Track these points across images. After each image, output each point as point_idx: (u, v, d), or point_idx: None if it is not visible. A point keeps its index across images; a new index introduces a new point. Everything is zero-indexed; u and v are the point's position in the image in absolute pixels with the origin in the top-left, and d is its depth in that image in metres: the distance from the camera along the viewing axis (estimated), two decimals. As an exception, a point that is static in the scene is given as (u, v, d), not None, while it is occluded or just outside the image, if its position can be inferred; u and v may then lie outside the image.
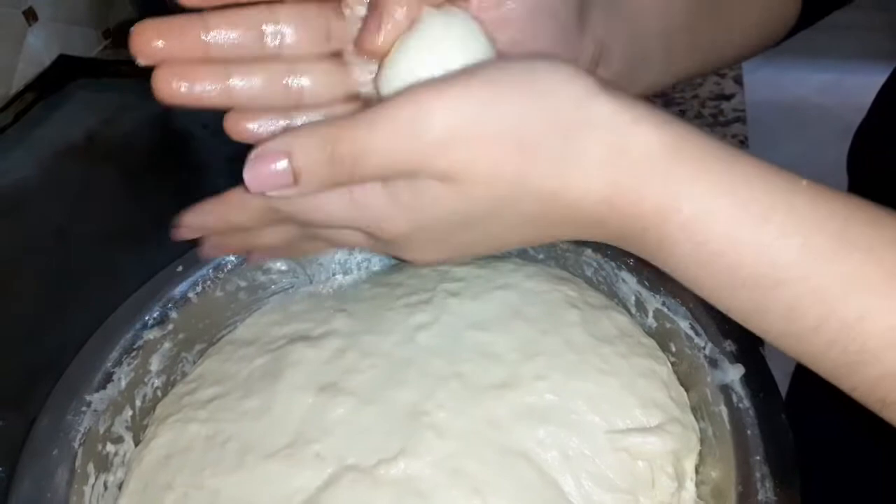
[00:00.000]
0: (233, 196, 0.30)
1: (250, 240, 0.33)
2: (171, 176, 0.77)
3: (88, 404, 0.40)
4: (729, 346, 0.39)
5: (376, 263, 0.50)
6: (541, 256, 0.48)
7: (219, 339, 0.47)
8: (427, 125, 0.24)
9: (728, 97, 0.74)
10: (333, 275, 0.50)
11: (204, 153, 0.77)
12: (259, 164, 0.26)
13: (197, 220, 0.32)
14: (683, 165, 0.25)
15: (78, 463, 0.38)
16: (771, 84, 2.19)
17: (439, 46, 0.27)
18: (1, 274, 0.66)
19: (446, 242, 0.29)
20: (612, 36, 0.33)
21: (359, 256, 0.50)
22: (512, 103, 0.25)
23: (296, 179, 0.26)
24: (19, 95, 0.83)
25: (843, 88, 2.21)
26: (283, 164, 0.25)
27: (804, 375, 0.47)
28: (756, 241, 0.24)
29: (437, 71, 0.27)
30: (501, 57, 0.28)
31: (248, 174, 0.26)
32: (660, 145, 0.25)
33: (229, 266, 0.47)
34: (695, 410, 0.39)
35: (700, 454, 0.38)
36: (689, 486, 0.37)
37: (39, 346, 0.59)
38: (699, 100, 0.74)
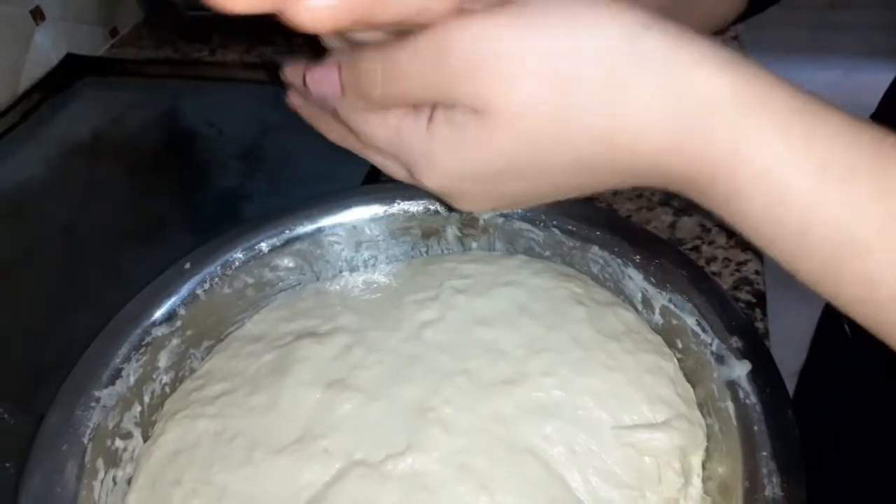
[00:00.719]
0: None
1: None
2: (178, 175, 0.77)
3: (97, 400, 0.40)
4: (735, 342, 0.39)
5: (383, 260, 0.51)
6: (547, 253, 0.48)
7: (226, 336, 0.47)
8: (449, 47, 0.23)
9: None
10: (340, 272, 0.50)
11: (210, 152, 0.77)
12: (315, 71, 0.28)
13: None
14: (755, 114, 0.22)
15: (87, 458, 0.38)
16: (776, 82, 2.19)
17: None
18: (8, 273, 0.67)
19: (493, 192, 0.28)
20: None
21: (365, 254, 0.50)
22: (546, 37, 0.23)
23: (342, 89, 0.27)
24: (27, 94, 0.84)
25: (847, 86, 2.20)
26: (333, 74, 0.27)
27: (811, 373, 0.47)
28: (836, 204, 0.22)
29: None
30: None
31: (308, 77, 0.28)
32: (727, 89, 0.22)
33: (237, 263, 0.47)
34: (701, 406, 0.40)
35: (707, 450, 0.38)
36: (696, 481, 0.37)
37: (46, 344, 0.59)
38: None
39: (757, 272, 0.55)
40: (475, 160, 0.26)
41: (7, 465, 0.45)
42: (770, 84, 0.23)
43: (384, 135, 0.27)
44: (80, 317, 0.60)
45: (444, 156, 0.26)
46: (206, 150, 0.78)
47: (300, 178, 0.69)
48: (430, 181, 0.27)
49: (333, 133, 0.32)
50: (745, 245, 0.56)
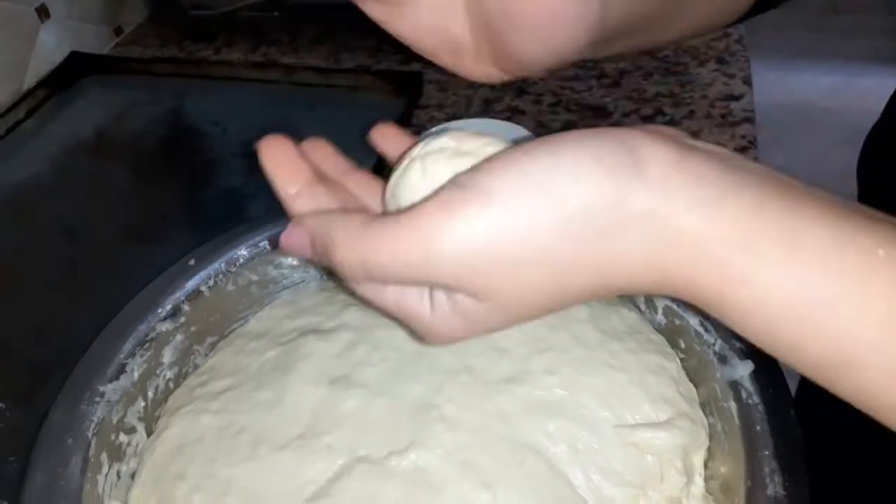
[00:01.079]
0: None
1: None
2: (182, 173, 0.77)
3: (102, 395, 0.40)
4: (738, 342, 0.39)
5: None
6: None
7: (230, 333, 0.47)
8: (439, 258, 0.24)
9: (737, 97, 0.74)
10: (344, 270, 0.50)
11: (214, 150, 0.77)
12: (293, 235, 0.30)
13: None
14: (739, 253, 0.23)
15: (91, 452, 0.38)
16: (778, 86, 2.19)
17: (432, 170, 0.28)
18: (10, 269, 0.67)
19: (478, 333, 0.29)
20: None
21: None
22: (535, 217, 0.24)
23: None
24: (31, 92, 0.84)
25: (851, 92, 2.20)
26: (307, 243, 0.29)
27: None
28: (828, 324, 0.22)
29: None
30: (518, 152, 0.25)
31: (283, 238, 0.30)
32: (712, 237, 0.23)
33: (241, 260, 0.48)
34: (704, 406, 0.40)
35: (709, 449, 0.38)
36: (698, 480, 0.37)
37: (48, 342, 0.59)
38: (708, 100, 0.74)
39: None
40: (479, 329, 0.28)
41: (11, 459, 0.45)
42: (753, 214, 0.23)
43: (384, 304, 0.28)
44: (82, 315, 0.60)
45: (449, 329, 0.28)
46: (210, 148, 0.78)
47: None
48: (434, 343, 0.29)
49: None
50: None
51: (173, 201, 0.74)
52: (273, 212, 0.51)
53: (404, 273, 0.25)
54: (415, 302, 0.28)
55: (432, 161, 0.28)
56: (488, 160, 0.25)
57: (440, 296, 0.27)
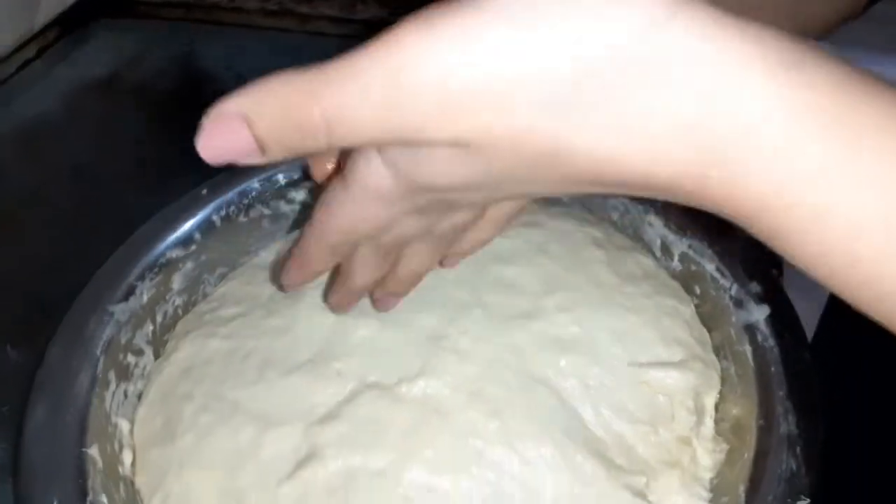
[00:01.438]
0: (306, 243, 0.29)
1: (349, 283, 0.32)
2: (193, 117, 0.76)
3: (111, 314, 0.40)
4: (755, 287, 0.38)
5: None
6: (566, 199, 0.48)
7: (241, 265, 0.47)
8: (418, 81, 0.19)
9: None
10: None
11: (226, 94, 0.77)
12: (215, 130, 0.21)
13: (292, 279, 0.32)
14: (810, 137, 0.17)
15: (100, 369, 0.38)
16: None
17: None
18: (17, 209, 0.66)
19: (474, 194, 0.24)
20: None
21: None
22: (542, 42, 0.18)
23: (261, 148, 0.21)
24: (42, 32, 0.83)
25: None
26: (243, 133, 0.21)
27: (831, 320, 0.46)
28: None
29: None
30: None
31: (201, 141, 0.22)
32: (776, 101, 0.17)
33: (254, 193, 0.47)
34: (717, 350, 0.39)
35: (721, 393, 0.38)
36: (709, 422, 0.37)
37: (53, 282, 0.58)
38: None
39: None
40: (442, 184, 0.22)
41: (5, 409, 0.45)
42: (840, 95, 0.17)
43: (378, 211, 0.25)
44: (87, 256, 0.59)
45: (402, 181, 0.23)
46: (222, 93, 0.77)
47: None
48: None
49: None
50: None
51: (185, 145, 0.73)
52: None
53: (374, 117, 0.20)
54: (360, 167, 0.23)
55: None
56: None
57: (392, 150, 0.22)
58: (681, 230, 0.42)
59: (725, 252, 0.40)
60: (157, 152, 0.72)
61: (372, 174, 0.23)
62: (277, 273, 0.38)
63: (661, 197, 0.20)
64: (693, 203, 0.20)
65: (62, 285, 0.49)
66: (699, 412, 0.37)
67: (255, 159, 0.22)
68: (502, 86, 0.18)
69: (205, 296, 0.45)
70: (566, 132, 0.19)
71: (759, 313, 0.37)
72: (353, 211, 0.25)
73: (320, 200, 0.27)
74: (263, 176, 0.47)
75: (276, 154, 0.21)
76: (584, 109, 0.18)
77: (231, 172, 0.48)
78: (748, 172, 0.18)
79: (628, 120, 0.18)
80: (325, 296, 0.38)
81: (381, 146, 0.22)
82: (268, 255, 0.47)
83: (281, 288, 0.32)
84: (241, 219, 0.47)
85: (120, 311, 0.40)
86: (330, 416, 0.35)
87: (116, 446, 0.37)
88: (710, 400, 0.37)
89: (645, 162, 0.19)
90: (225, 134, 0.21)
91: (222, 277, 0.46)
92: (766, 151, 0.17)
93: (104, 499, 0.34)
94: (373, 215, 0.25)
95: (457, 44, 0.18)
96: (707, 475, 0.35)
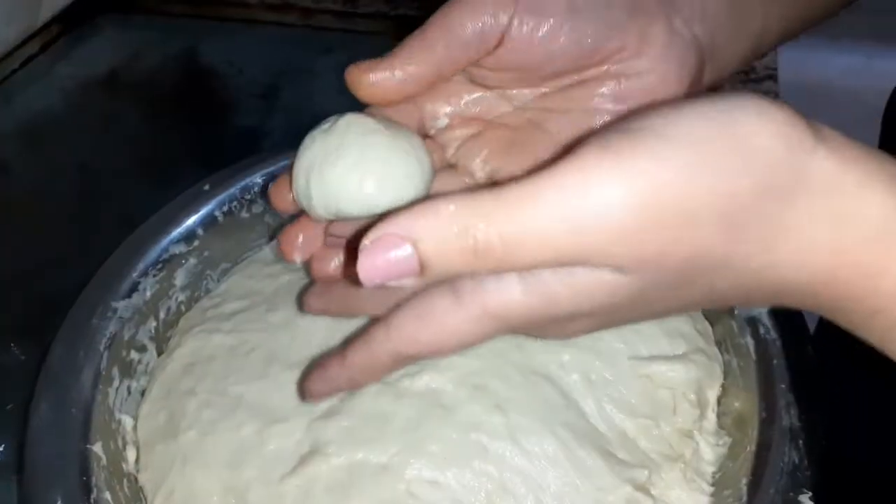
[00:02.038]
0: (356, 358, 0.25)
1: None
2: (196, 113, 0.76)
3: (114, 311, 0.40)
4: (758, 280, 0.38)
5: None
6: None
7: (243, 261, 0.47)
8: (607, 206, 0.19)
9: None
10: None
11: (229, 90, 0.77)
12: (377, 250, 0.21)
13: (326, 389, 0.28)
14: None
15: (103, 365, 0.38)
16: (796, 66, 2.16)
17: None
18: (22, 206, 0.66)
19: (594, 325, 0.24)
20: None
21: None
22: (715, 169, 0.19)
23: (422, 269, 0.21)
24: (46, 26, 0.83)
25: (870, 72, 2.17)
26: (406, 252, 0.21)
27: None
28: None
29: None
30: (689, 98, 0.21)
31: (363, 261, 0.21)
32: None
33: (256, 188, 0.47)
34: (719, 344, 0.39)
35: (723, 387, 0.38)
36: (711, 415, 0.37)
37: (57, 279, 0.59)
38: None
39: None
40: (590, 309, 0.22)
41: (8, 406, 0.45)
42: None
43: (468, 324, 0.23)
44: (90, 252, 0.60)
45: (545, 309, 0.22)
46: (225, 88, 0.77)
47: (319, 117, 0.68)
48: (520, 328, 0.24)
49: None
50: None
51: (187, 140, 0.73)
52: (289, 143, 0.51)
53: (556, 241, 0.20)
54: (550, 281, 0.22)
55: (369, 139, 0.27)
56: (651, 108, 0.21)
57: (543, 274, 0.21)
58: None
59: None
60: (160, 148, 0.72)
61: (502, 294, 0.22)
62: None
63: (781, 301, 0.23)
64: (809, 305, 0.22)
65: (65, 282, 0.49)
66: (702, 405, 0.37)
67: (409, 282, 0.21)
68: (679, 213, 0.19)
69: (207, 291, 0.45)
70: (728, 250, 0.20)
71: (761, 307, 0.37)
72: (459, 329, 0.23)
73: (404, 309, 0.24)
74: (265, 171, 0.48)
75: (435, 276, 0.21)
76: (748, 229, 0.20)
77: (233, 168, 0.48)
78: (879, 272, 0.20)
79: (781, 236, 0.20)
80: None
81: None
82: (271, 250, 0.47)
83: (304, 397, 0.28)
84: (244, 214, 0.47)
85: (123, 307, 0.41)
86: (333, 412, 0.36)
87: (120, 443, 0.38)
88: (712, 393, 0.37)
89: (792, 268, 0.21)
90: (388, 254, 0.21)
91: (225, 273, 0.46)
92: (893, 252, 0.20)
93: (108, 496, 0.34)
94: (480, 336, 0.23)
95: (639, 176, 0.19)
96: (709, 469, 0.35)
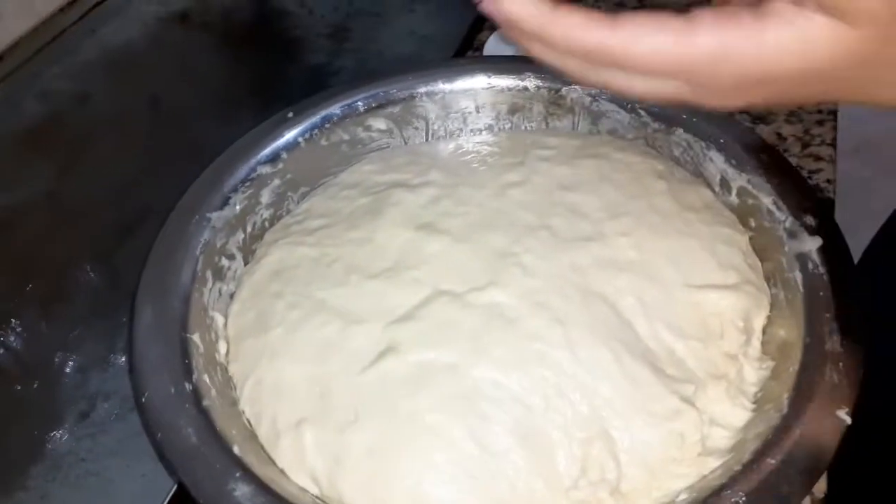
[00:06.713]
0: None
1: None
2: (266, 50, 0.79)
3: (208, 220, 0.44)
4: (809, 220, 0.40)
5: (468, 132, 0.53)
6: (630, 136, 0.50)
7: (321, 185, 0.51)
8: None
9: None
10: (427, 140, 0.53)
11: (299, 29, 0.79)
12: None
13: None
14: None
15: (199, 267, 0.42)
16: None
17: None
18: (96, 136, 0.70)
19: (775, 93, 0.23)
20: None
21: (451, 125, 0.53)
22: None
23: None
24: (125, -38, 0.86)
25: None
26: None
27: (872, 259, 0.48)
28: None
29: None
30: None
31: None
32: None
33: (335, 118, 0.50)
34: (768, 279, 0.42)
35: (769, 317, 0.40)
36: (756, 342, 0.39)
37: (128, 208, 0.63)
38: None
39: (829, 181, 0.56)
40: (789, 68, 0.22)
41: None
42: None
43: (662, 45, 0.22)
44: (162, 183, 0.63)
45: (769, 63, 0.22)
46: (295, 27, 0.80)
47: (387, 58, 0.71)
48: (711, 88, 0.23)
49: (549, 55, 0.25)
50: (818, 155, 0.57)
51: (257, 77, 0.77)
52: (366, 77, 0.54)
53: None
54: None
55: None
56: None
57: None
58: (741, 165, 0.44)
59: (782, 186, 0.42)
60: (230, 83, 0.75)
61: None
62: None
63: None
64: None
65: (135, 210, 0.52)
66: (748, 332, 0.39)
67: None
68: None
69: (289, 211, 0.49)
70: None
71: (811, 244, 0.39)
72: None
73: (640, 26, 0.23)
74: (345, 102, 0.51)
75: None
76: None
77: (315, 98, 0.51)
78: None
79: None
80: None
81: None
82: (348, 175, 0.50)
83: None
84: (323, 142, 0.50)
85: (216, 218, 0.44)
86: (407, 317, 0.39)
87: (213, 336, 0.42)
88: (758, 322, 0.40)
89: None
90: None
91: (304, 196, 0.50)
92: None
93: (206, 378, 0.38)
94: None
95: None
96: (752, 389, 0.38)
